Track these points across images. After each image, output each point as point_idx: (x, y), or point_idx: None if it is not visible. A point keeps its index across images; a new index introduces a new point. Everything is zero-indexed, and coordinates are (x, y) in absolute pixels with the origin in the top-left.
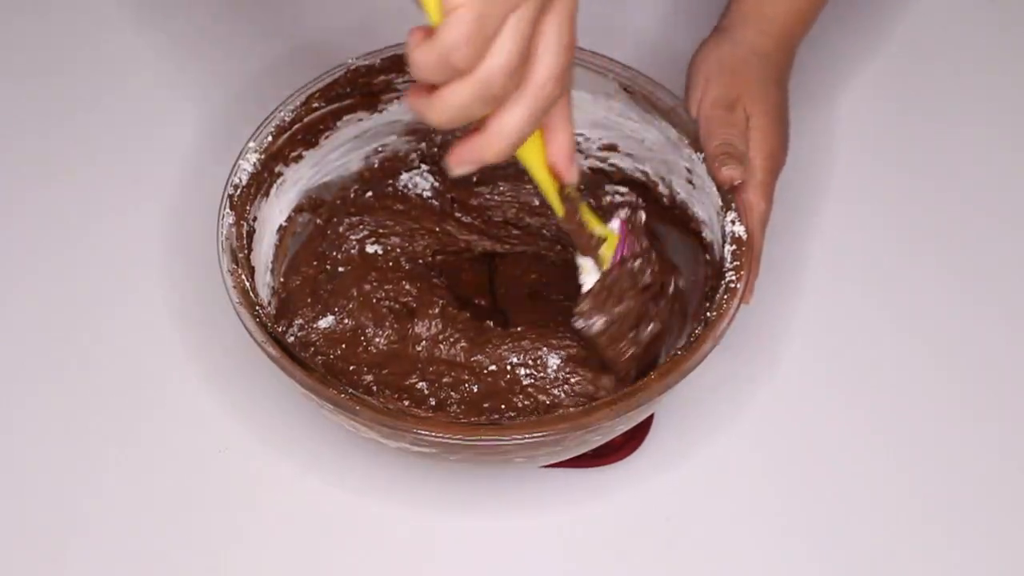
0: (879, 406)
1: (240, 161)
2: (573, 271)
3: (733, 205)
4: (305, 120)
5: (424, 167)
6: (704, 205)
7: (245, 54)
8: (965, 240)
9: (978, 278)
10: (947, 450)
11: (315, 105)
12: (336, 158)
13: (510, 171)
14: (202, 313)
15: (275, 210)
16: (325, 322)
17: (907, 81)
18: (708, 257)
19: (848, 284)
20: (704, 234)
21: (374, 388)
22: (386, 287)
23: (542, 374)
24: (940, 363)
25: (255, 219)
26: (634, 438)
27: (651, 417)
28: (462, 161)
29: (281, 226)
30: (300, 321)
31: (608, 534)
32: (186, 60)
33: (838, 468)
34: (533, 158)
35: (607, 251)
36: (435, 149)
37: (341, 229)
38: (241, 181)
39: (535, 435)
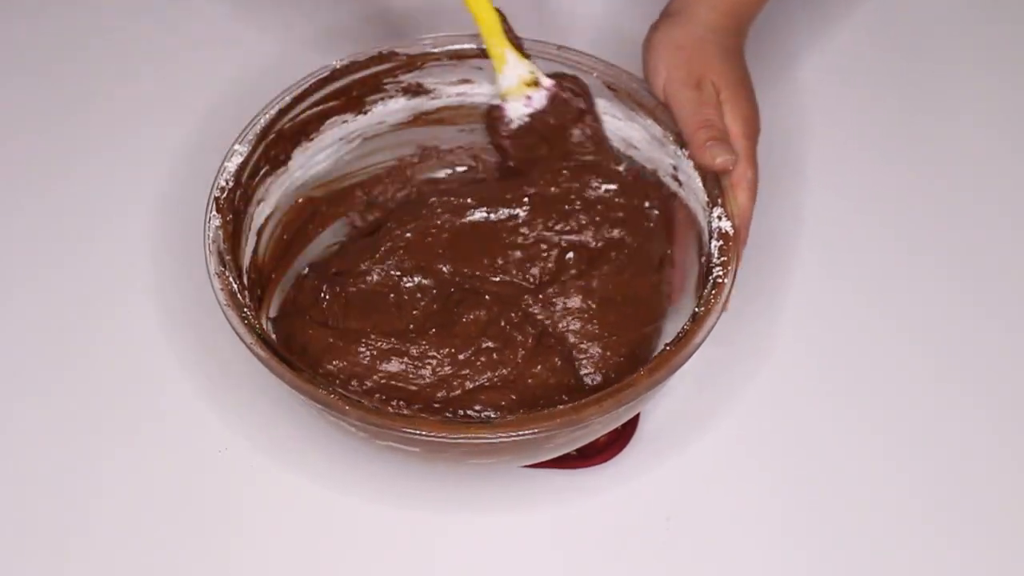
0: (872, 401)
1: (226, 163)
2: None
3: (719, 200)
4: (290, 122)
5: None
6: (691, 201)
7: (237, 55)
8: (952, 228)
9: (966, 267)
10: (940, 442)
11: (300, 107)
12: (322, 159)
13: None
14: (201, 313)
15: (262, 210)
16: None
17: (884, 65)
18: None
19: (837, 279)
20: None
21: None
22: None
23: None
24: (930, 354)
25: (242, 220)
26: (619, 439)
27: (636, 418)
28: None
29: (262, 225)
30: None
31: (595, 535)
32: (177, 63)
33: (829, 466)
34: None
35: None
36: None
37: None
38: (227, 183)
39: (523, 432)
